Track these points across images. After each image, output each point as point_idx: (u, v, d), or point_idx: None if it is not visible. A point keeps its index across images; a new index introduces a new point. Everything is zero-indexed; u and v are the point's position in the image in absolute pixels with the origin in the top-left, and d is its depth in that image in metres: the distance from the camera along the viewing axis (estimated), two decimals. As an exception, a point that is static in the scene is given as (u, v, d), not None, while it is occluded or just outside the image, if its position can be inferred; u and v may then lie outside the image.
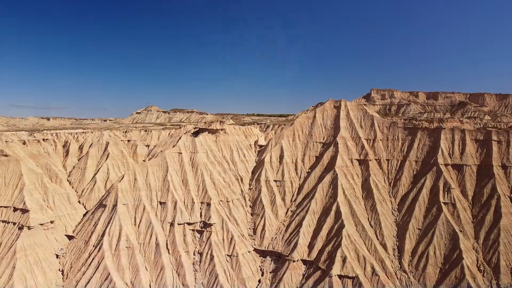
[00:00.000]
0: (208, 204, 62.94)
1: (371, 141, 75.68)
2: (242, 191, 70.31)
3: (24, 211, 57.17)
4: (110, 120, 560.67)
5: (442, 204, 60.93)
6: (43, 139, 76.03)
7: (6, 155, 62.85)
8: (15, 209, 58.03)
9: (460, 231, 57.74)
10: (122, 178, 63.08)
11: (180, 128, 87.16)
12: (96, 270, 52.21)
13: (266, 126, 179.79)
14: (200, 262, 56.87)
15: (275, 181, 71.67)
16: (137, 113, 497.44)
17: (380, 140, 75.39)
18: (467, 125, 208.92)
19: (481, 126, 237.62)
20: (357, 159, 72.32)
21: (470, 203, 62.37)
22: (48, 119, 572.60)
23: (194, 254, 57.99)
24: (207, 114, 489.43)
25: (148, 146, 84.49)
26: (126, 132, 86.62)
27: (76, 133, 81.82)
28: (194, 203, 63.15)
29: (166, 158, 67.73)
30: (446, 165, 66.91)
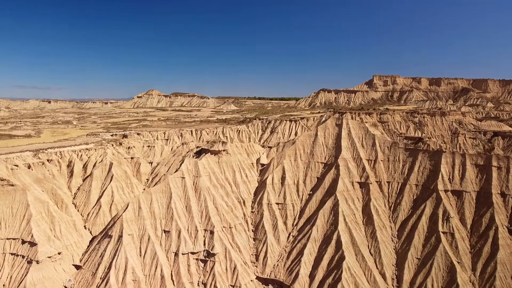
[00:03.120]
0: (212, 232, 64.27)
1: (372, 161, 76.41)
2: (244, 214, 71.59)
3: (32, 244, 58.48)
4: (111, 102, 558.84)
5: (441, 234, 62.13)
6: (48, 160, 76.83)
7: (12, 185, 63.79)
8: (23, 242, 59.33)
9: (458, 262, 59.12)
10: (126, 207, 64.20)
11: (182, 144, 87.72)
12: (104, 305, 53.98)
13: (267, 122, 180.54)
14: (204, 293, 58.61)
15: (277, 203, 72.85)
16: (138, 97, 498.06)
17: (381, 161, 76.10)
18: (469, 117, 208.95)
19: (484, 115, 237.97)
20: (358, 182, 73.24)
21: (468, 231, 63.56)
22: (49, 102, 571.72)
23: (198, 285, 59.66)
24: (208, 98, 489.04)
25: (151, 163, 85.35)
26: (129, 148, 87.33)
27: (80, 151, 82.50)
28: (197, 231, 64.49)
29: (169, 184, 68.68)
30: (446, 191, 67.77)
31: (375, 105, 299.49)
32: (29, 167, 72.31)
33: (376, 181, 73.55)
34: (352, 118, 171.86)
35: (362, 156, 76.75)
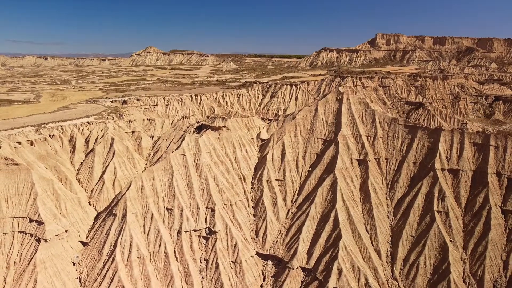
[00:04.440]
0: (213, 210, 66.13)
1: (372, 138, 77.06)
2: (245, 191, 73.22)
3: (40, 223, 60.41)
4: (108, 59, 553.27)
5: (436, 213, 63.95)
6: (50, 135, 77.44)
7: (16, 164, 64.84)
8: (30, 220, 61.26)
9: (451, 241, 61.35)
10: (129, 186, 65.67)
11: (182, 118, 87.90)
12: (111, 281, 56.63)
13: (268, 86, 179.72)
14: (206, 269, 61.30)
15: (277, 180, 74.30)
16: (136, 54, 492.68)
17: (381, 137, 76.72)
18: (471, 81, 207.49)
19: (487, 77, 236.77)
20: (357, 159, 74.28)
21: (462, 210, 65.36)
22: (46, 59, 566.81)
23: (200, 261, 62.28)
24: (208, 56, 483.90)
25: (152, 137, 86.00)
26: (130, 121, 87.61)
27: (81, 124, 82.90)
28: (199, 208, 66.32)
29: (171, 162, 69.77)
30: (442, 169, 68.92)
31: (377, 65, 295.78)
32: (31, 143, 73.06)
33: (375, 158, 74.58)
34: (353, 83, 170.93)
35: (362, 133, 77.30)
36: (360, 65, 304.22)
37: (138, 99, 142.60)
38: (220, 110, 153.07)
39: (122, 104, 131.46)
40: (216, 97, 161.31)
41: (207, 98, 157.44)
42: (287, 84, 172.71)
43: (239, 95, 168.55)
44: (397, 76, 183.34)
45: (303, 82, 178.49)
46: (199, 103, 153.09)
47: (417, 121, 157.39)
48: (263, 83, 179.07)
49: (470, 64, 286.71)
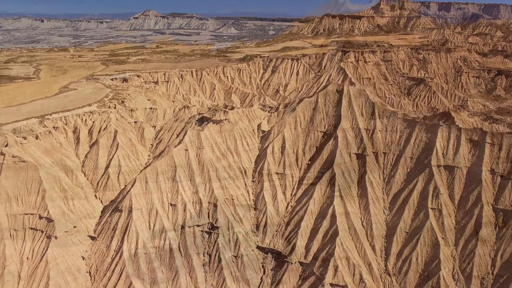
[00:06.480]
0: (215, 205, 68.64)
1: (370, 131, 78.31)
2: (246, 184, 75.38)
3: (49, 220, 63.07)
4: (106, 22, 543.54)
5: (430, 210, 66.36)
6: (54, 127, 78.68)
7: (24, 161, 66.60)
8: (40, 217, 63.89)
9: (443, 238, 64.17)
10: (134, 183, 67.83)
11: (184, 108, 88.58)
12: (119, 277, 60.09)
13: (269, 60, 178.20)
14: (209, 263, 64.59)
15: (277, 173, 76.29)
16: (134, 18, 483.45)
17: (379, 131, 77.96)
18: (474, 54, 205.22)
19: (491, 47, 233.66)
20: (355, 153, 75.93)
21: (455, 207, 67.74)
22: (42, 21, 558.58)
23: (204, 255, 65.45)
24: (207, 20, 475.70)
25: (154, 127, 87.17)
26: (132, 111, 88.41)
27: (84, 114, 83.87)
28: (202, 204, 68.80)
29: (173, 157, 71.52)
30: (438, 166, 70.68)
31: (380, 33, 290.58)
32: (36, 137, 74.43)
33: (373, 152, 76.15)
34: (355, 57, 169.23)
35: (361, 126, 78.41)
36: (363, 32, 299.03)
37: (138, 76, 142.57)
38: (221, 86, 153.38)
39: (123, 82, 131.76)
40: (216, 72, 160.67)
41: (208, 74, 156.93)
42: (288, 59, 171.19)
43: (240, 69, 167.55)
44: (399, 50, 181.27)
45: (304, 55, 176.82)
46: (200, 79, 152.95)
47: (418, 98, 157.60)
48: (264, 57, 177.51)
49: (474, 32, 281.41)
